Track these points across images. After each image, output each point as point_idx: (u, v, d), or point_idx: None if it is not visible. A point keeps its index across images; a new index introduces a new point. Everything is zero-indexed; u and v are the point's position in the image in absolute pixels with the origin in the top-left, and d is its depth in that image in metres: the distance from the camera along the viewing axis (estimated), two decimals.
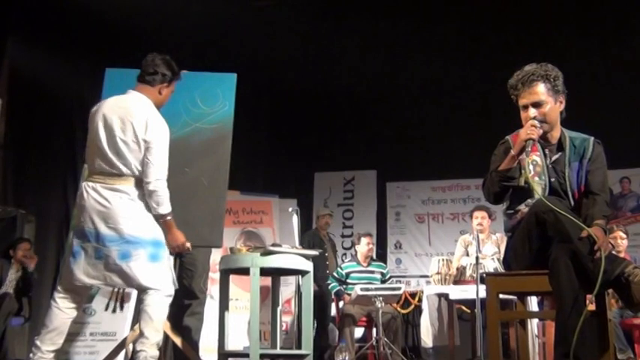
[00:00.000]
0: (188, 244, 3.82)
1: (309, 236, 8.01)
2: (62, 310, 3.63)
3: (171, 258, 3.77)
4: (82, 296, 3.77)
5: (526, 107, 3.33)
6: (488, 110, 7.79)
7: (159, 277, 3.60)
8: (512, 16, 7.81)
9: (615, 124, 7.76)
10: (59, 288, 3.67)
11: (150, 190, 3.61)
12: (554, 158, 3.40)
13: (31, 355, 3.59)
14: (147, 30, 7.18)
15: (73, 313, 3.68)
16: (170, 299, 3.69)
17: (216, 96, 4.51)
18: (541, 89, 3.31)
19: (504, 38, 8.02)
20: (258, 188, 9.03)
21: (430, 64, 8.50)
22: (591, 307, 3.09)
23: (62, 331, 3.63)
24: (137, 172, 3.66)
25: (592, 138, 3.43)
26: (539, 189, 3.30)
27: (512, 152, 3.27)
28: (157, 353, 3.55)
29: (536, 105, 3.30)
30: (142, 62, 3.89)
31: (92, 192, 3.62)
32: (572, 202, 3.33)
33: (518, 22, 7.91)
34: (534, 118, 3.28)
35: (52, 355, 3.59)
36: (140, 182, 3.66)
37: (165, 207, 3.66)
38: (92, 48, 7.44)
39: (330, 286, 7.25)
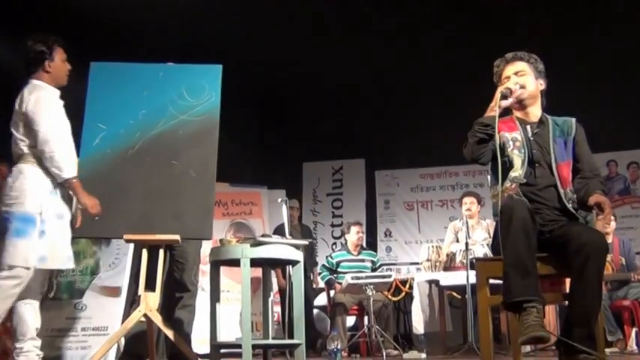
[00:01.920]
0: (98, 208, 3.87)
1: (278, 229, 8.06)
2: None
3: (67, 233, 3.80)
4: (31, 282, 3.77)
5: (508, 78, 3.54)
6: (475, 97, 7.78)
7: (18, 254, 3.61)
8: (498, 3, 7.82)
9: (601, 108, 7.80)
10: None
11: (47, 158, 3.71)
12: (535, 131, 3.51)
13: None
14: (132, 23, 7.13)
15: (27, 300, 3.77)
16: (16, 281, 3.63)
17: (202, 88, 4.48)
18: (524, 64, 3.56)
19: (490, 26, 8.02)
20: (247, 179, 9.02)
21: (416, 51, 8.49)
22: None
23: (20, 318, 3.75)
24: (22, 148, 3.76)
25: (574, 119, 3.56)
26: (518, 161, 3.43)
27: (492, 104, 3.42)
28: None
29: (517, 73, 3.53)
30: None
31: None
32: (556, 174, 3.41)
33: (504, 8, 7.91)
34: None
35: (27, 345, 3.70)
36: (23, 156, 3.77)
37: (67, 171, 3.74)
38: (76, 42, 7.37)
39: (320, 276, 7.27)
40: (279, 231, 7.90)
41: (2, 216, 3.65)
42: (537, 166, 3.44)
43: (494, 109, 3.39)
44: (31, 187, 3.71)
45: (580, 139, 3.50)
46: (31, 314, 3.77)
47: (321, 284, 7.70)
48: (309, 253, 7.80)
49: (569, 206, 3.36)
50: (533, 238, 3.11)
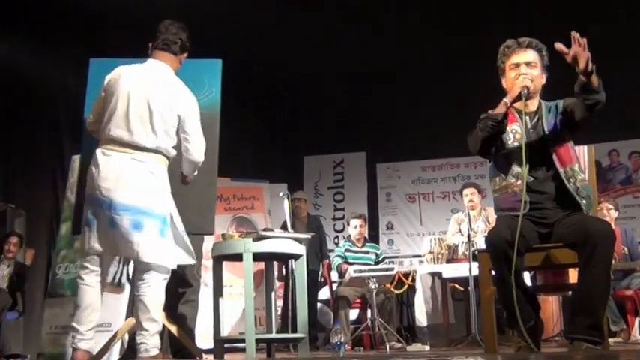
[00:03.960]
0: None
1: (284, 225, 8.04)
2: (89, 284, 3.55)
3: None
4: (103, 267, 3.65)
5: (517, 65, 3.48)
6: (476, 89, 7.78)
7: (163, 254, 3.55)
8: None
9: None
10: (83, 264, 3.59)
11: (196, 165, 3.77)
12: (533, 121, 3.51)
13: (71, 339, 3.54)
14: (131, 18, 7.12)
15: (99, 286, 3.60)
16: (165, 282, 3.63)
17: (202, 83, 4.47)
18: (534, 55, 3.50)
19: (490, 18, 8.00)
20: (248, 174, 9.02)
21: (416, 45, 8.48)
22: None
23: (96, 307, 3.56)
24: (162, 148, 3.63)
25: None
26: (519, 155, 3.39)
27: (506, 99, 3.41)
28: (158, 342, 3.54)
29: (528, 64, 3.47)
30: (161, 28, 3.81)
31: (110, 160, 3.54)
32: (554, 157, 3.41)
33: (504, 1, 7.92)
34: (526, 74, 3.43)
35: (91, 333, 3.54)
36: (162, 157, 3.65)
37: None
38: (75, 37, 7.38)
39: (333, 263, 7.29)
40: (285, 227, 7.89)
41: (139, 208, 3.49)
42: (538, 158, 3.43)
43: (507, 105, 3.39)
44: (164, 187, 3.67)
45: (565, 103, 3.48)
46: (100, 304, 3.65)
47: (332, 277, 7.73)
48: (319, 245, 7.77)
49: (569, 186, 3.36)
50: (517, 264, 3.16)
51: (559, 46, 3.21)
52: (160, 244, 3.55)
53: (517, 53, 3.49)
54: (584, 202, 3.35)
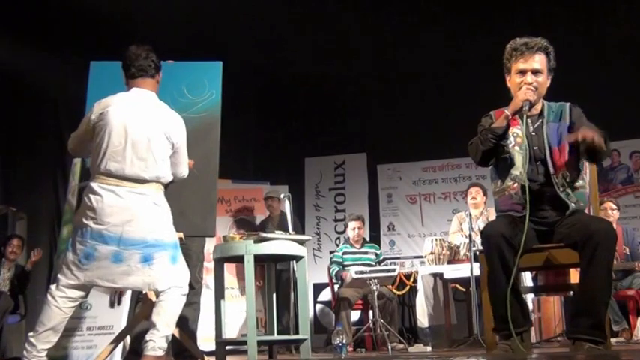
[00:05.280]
0: None
1: (262, 223, 8.04)
2: (62, 309, 3.52)
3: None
4: (85, 295, 3.69)
5: (523, 72, 3.44)
6: (477, 90, 7.79)
7: (177, 278, 3.60)
8: None
9: (603, 97, 7.77)
10: (61, 287, 3.52)
11: (182, 173, 3.90)
12: (536, 125, 3.48)
13: (25, 352, 3.49)
14: (130, 20, 7.12)
15: (71, 312, 3.60)
16: (185, 299, 3.67)
17: (202, 85, 4.48)
18: (542, 59, 3.44)
19: (491, 19, 8.00)
20: (249, 176, 9.02)
21: (417, 46, 8.48)
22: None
23: (59, 329, 3.55)
24: (161, 177, 3.67)
25: (568, 103, 3.52)
26: (519, 159, 3.40)
27: (507, 112, 3.38)
28: (165, 345, 3.54)
29: (535, 72, 3.42)
30: (130, 56, 3.80)
31: (112, 195, 3.54)
32: (549, 160, 3.39)
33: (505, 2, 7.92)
34: (531, 83, 3.39)
35: (45, 352, 3.52)
36: (160, 186, 3.69)
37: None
38: (75, 40, 7.38)
39: (330, 270, 7.28)
40: (263, 226, 7.89)
41: (148, 242, 3.54)
42: (538, 164, 3.43)
43: (509, 118, 3.39)
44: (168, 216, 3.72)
45: (576, 118, 3.43)
46: (64, 327, 3.66)
47: (323, 279, 7.70)
48: None
49: (559, 191, 3.35)
50: (510, 262, 3.17)
51: (570, 138, 3.26)
52: (173, 270, 3.60)
53: (525, 58, 3.43)
54: (573, 205, 3.35)
